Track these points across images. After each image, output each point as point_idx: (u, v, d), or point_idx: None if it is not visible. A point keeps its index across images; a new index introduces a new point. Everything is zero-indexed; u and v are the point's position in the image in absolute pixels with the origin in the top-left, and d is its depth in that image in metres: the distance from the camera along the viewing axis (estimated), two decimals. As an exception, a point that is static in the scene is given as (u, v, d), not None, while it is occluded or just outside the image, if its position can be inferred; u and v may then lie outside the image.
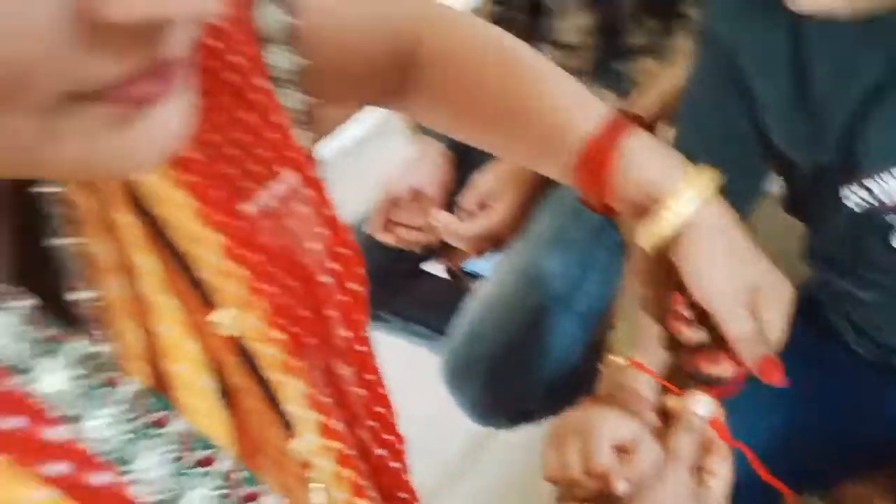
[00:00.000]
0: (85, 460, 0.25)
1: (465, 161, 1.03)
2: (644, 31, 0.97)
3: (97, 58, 0.20)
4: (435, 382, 0.92)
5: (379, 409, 0.43)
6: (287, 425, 0.36)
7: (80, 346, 0.27)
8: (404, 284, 1.14)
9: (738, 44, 0.55)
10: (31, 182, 0.31)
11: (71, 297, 0.30)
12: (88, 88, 0.21)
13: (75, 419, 0.26)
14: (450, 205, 1.00)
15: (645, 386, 0.55)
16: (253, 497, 0.31)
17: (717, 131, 0.57)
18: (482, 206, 0.95)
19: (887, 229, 0.53)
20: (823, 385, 0.65)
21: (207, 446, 0.30)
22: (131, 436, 0.27)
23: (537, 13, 1.10)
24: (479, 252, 0.97)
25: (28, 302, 0.26)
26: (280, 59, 0.44)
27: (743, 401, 0.50)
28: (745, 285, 0.48)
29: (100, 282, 0.32)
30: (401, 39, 0.53)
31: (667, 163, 0.49)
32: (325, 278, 0.42)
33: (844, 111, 0.50)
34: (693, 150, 0.58)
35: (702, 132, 0.59)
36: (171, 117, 0.24)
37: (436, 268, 1.21)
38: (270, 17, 0.44)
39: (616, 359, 0.57)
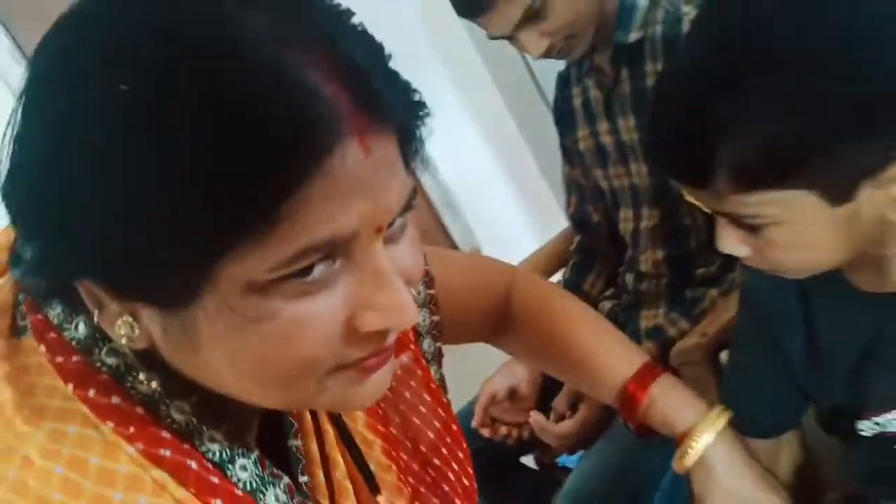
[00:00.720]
0: None
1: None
2: (710, 265, 1.15)
3: (352, 348, 0.42)
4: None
5: None
6: None
7: None
8: (502, 476, 1.27)
9: (766, 301, 0.72)
10: None
11: (301, 479, 0.50)
12: (344, 363, 0.42)
13: None
14: (543, 406, 1.15)
15: None
16: None
17: (757, 373, 0.74)
18: (572, 408, 1.10)
19: None
20: None
21: None
22: None
23: (619, 243, 1.32)
24: (571, 451, 1.11)
25: (286, 479, 0.46)
26: (422, 317, 0.66)
27: None
28: None
29: (311, 470, 0.52)
30: (496, 301, 0.77)
31: (685, 405, 0.70)
32: (444, 467, 0.61)
33: (847, 362, 0.66)
34: (739, 385, 0.75)
35: (745, 372, 0.75)
36: (384, 377, 0.45)
37: (531, 461, 1.35)
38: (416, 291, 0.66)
39: None
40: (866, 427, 0.67)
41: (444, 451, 0.61)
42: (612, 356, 0.74)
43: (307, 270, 0.38)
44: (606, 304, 1.29)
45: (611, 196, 1.27)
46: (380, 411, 0.57)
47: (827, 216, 0.54)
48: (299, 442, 0.52)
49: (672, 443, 1.03)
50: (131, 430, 0.42)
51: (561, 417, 1.10)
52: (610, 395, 0.73)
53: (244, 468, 0.45)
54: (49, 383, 0.43)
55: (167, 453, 0.42)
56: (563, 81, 1.29)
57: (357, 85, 0.37)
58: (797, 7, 0.51)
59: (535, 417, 1.09)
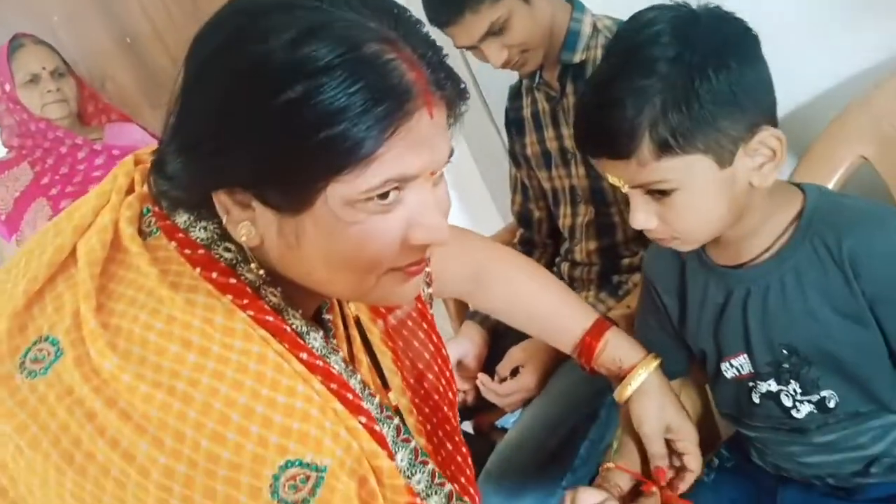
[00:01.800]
0: (370, 417, 0.66)
1: (500, 338, 1.47)
2: (634, 255, 1.45)
3: (403, 255, 0.66)
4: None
5: (459, 457, 0.85)
6: (401, 433, 0.76)
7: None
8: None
9: (656, 274, 1.01)
10: (321, 311, 0.76)
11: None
12: (396, 266, 0.67)
13: (362, 398, 0.68)
14: (487, 371, 1.41)
15: (622, 479, 0.98)
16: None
17: (651, 328, 1.02)
18: (514, 372, 1.37)
19: (751, 390, 0.95)
20: (745, 487, 1.05)
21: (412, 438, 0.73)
22: (379, 414, 0.71)
23: (557, 236, 1.63)
24: (512, 408, 1.40)
25: (342, 353, 0.70)
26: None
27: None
28: (664, 425, 0.95)
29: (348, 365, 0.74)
30: (475, 265, 1.02)
31: (630, 350, 0.97)
32: (435, 381, 0.87)
33: (709, 319, 0.94)
34: (640, 337, 1.05)
35: (646, 329, 1.05)
36: (417, 284, 0.70)
37: (469, 427, 1.62)
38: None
39: (609, 465, 1.02)
40: (726, 369, 0.95)
41: (435, 369, 0.86)
42: (572, 314, 1.01)
43: (385, 195, 0.60)
44: (544, 289, 1.57)
45: (552, 195, 1.54)
46: (390, 331, 0.82)
47: (716, 178, 0.80)
48: (335, 341, 0.76)
49: (598, 404, 1.33)
50: (245, 301, 0.63)
51: (503, 381, 1.38)
52: (569, 344, 1.00)
53: (315, 339, 0.69)
54: (178, 268, 0.64)
55: (270, 319, 0.64)
56: (515, 94, 1.56)
57: (428, 73, 0.61)
58: (673, 42, 0.78)
59: (483, 378, 1.37)
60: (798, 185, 0.90)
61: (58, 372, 0.60)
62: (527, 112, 1.53)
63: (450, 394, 0.87)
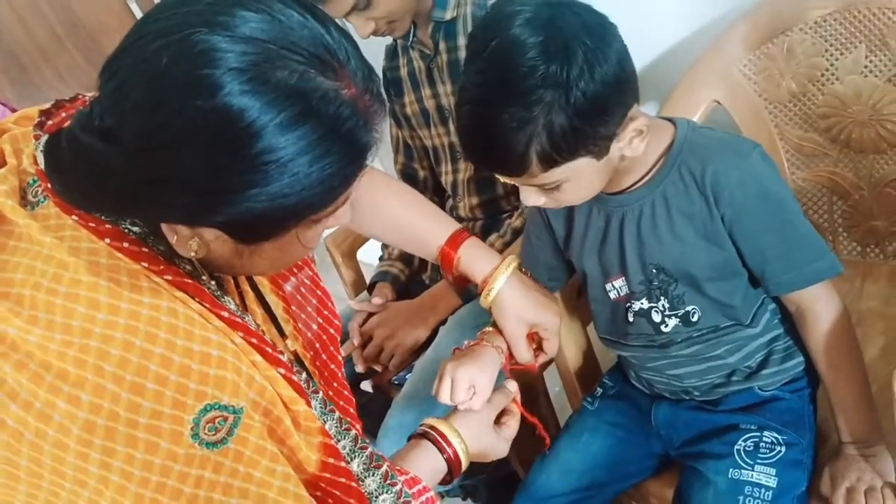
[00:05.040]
0: (289, 368, 0.71)
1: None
2: (515, 209, 1.50)
3: None
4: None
5: (340, 398, 0.90)
6: (310, 386, 0.81)
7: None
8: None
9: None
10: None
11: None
12: None
13: (278, 350, 0.72)
14: None
15: (502, 343, 1.06)
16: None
17: (538, 247, 1.12)
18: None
19: (627, 309, 1.04)
20: (624, 410, 1.16)
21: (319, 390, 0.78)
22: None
23: (442, 194, 1.67)
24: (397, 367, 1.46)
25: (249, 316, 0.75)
26: None
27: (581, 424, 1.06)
28: (526, 325, 1.02)
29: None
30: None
31: (485, 258, 1.05)
32: (319, 331, 0.91)
33: (591, 243, 1.04)
34: (528, 256, 1.11)
35: (531, 246, 1.13)
36: None
37: (368, 386, 1.66)
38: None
39: (487, 329, 1.09)
40: (610, 290, 1.05)
41: (319, 320, 0.91)
42: (432, 226, 1.07)
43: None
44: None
45: (433, 153, 1.59)
46: (279, 280, 0.87)
47: (597, 167, 0.88)
48: (228, 298, 0.78)
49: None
50: (161, 267, 0.65)
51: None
52: (432, 255, 1.07)
53: (229, 302, 0.72)
54: (73, 234, 0.64)
55: (189, 281, 0.66)
56: (392, 53, 1.59)
57: (368, 101, 0.64)
58: (543, 56, 0.79)
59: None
60: (670, 119, 0.97)
61: None
62: (403, 72, 1.56)
63: (331, 347, 0.93)
